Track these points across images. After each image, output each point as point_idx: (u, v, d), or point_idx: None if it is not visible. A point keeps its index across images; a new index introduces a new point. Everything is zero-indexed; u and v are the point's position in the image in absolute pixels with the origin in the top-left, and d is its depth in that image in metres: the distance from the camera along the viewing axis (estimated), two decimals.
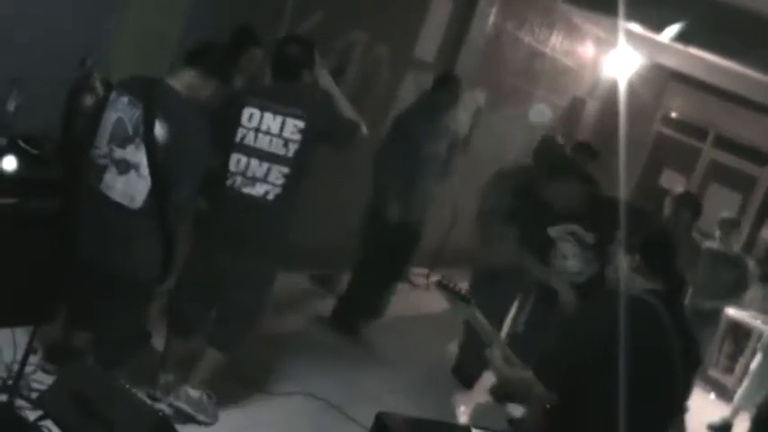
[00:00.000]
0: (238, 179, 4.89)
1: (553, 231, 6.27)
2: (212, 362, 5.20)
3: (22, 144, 5.33)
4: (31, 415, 4.03)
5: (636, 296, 3.61)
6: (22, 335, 4.55)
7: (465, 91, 8.49)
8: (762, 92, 12.34)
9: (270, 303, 5.48)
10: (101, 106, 4.58)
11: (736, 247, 8.34)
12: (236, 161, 4.89)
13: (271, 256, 5.19)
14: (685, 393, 3.99)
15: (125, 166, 4.43)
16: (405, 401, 6.44)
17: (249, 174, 4.88)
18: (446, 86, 7.64)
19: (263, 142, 4.87)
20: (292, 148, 4.87)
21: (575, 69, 12.95)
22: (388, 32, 8.34)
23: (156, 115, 4.37)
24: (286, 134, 4.86)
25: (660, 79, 14.50)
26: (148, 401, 3.76)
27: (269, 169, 4.87)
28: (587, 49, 13.07)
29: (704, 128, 15.30)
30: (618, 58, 13.27)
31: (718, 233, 8.92)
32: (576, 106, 13.37)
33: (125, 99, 4.45)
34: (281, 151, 4.87)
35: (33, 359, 4.62)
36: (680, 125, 15.62)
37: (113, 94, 4.52)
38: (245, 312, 5.23)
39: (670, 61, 13.28)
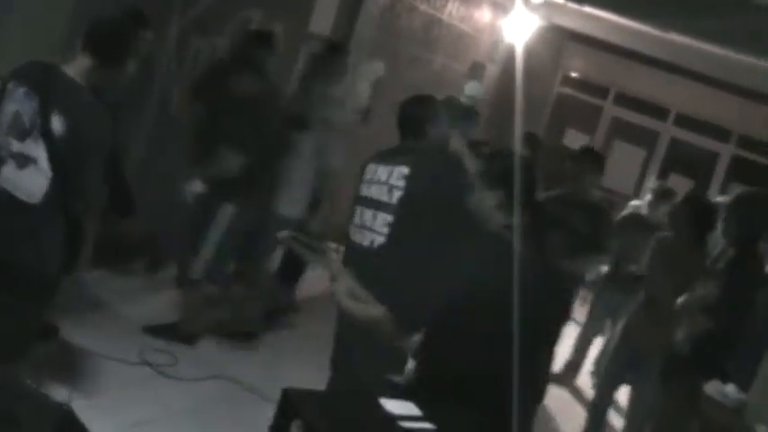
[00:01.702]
0: (353, 230, 4.77)
1: None
2: None
3: None
4: None
5: (494, 233, 3.59)
6: None
7: (364, 62, 8.49)
8: (659, 47, 12.55)
9: None
10: None
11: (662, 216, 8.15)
12: (354, 213, 4.78)
13: None
14: (553, 327, 3.98)
15: (23, 160, 4.30)
16: (322, 380, 6.46)
17: (359, 223, 4.74)
18: (331, 58, 7.61)
19: (372, 191, 4.73)
20: (396, 194, 4.66)
21: (472, 35, 13.00)
22: (282, 8, 8.28)
23: (52, 108, 4.27)
24: (392, 181, 4.68)
25: (558, 40, 14.66)
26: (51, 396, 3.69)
27: (374, 217, 4.71)
28: (484, 14, 13.14)
29: (604, 86, 15.54)
30: (515, 22, 13.37)
31: (648, 198, 8.78)
32: (476, 71, 13.43)
33: (21, 90, 4.31)
34: (384, 198, 4.68)
35: None
36: (580, 85, 15.85)
37: (10, 85, 4.37)
38: None
39: (567, 22, 13.43)
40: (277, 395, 3.07)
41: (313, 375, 6.49)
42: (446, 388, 3.42)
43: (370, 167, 4.79)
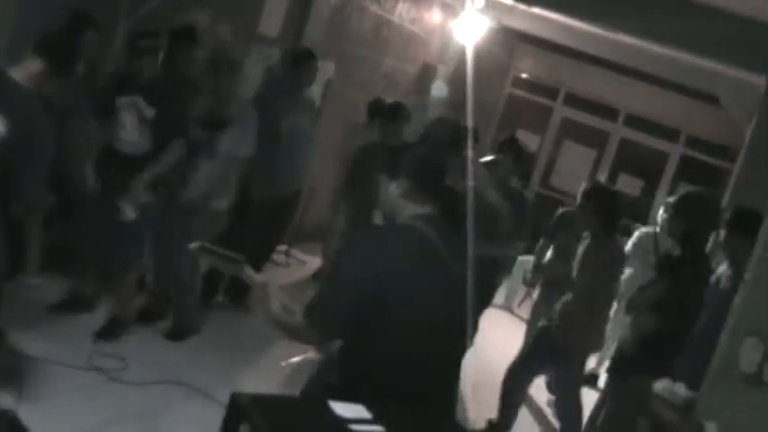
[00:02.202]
0: None
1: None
2: None
3: None
4: None
5: (403, 224, 3.58)
6: None
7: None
8: (608, 48, 12.62)
9: None
10: None
11: None
12: None
13: None
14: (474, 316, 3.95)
15: None
16: (268, 381, 6.46)
17: None
18: (304, 65, 7.76)
19: None
20: None
21: (423, 36, 13.03)
22: (230, 10, 8.25)
23: None
24: None
25: (508, 42, 14.75)
26: None
27: None
28: (434, 16, 13.16)
29: (554, 87, 15.64)
30: (465, 24, 13.40)
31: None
32: (426, 73, 13.45)
33: None
34: None
35: None
36: (530, 86, 15.95)
37: None
38: None
39: (516, 23, 13.47)
40: (228, 398, 3.05)
41: (266, 378, 6.53)
42: (369, 389, 3.40)
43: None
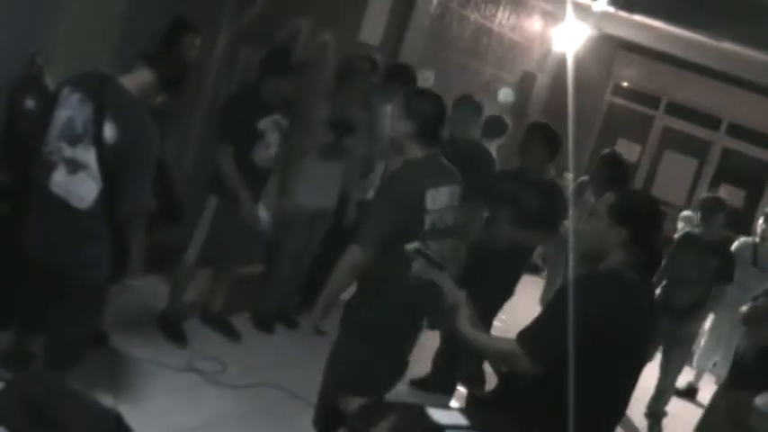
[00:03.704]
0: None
1: None
2: None
3: None
4: None
5: (616, 271, 3.55)
6: None
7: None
8: (711, 56, 12.43)
9: None
10: (51, 103, 4.49)
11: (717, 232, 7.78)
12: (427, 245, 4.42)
13: None
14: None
15: (74, 166, 4.35)
16: None
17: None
18: (400, 77, 7.67)
19: (446, 219, 4.59)
20: (454, 214, 4.68)
21: (523, 44, 12.97)
22: (331, 18, 8.30)
23: (106, 115, 4.30)
24: (454, 203, 4.64)
25: (609, 50, 14.58)
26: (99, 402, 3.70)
27: (451, 245, 4.70)
28: (534, 24, 13.10)
29: (656, 95, 15.39)
30: (566, 31, 13.31)
31: (698, 214, 8.21)
32: (526, 81, 13.38)
33: (76, 97, 4.36)
34: (452, 222, 4.64)
35: None
36: (631, 94, 15.72)
37: (65, 91, 4.42)
38: None
39: (618, 31, 13.35)
40: None
41: None
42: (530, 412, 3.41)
43: (432, 195, 4.50)
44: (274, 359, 6.64)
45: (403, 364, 4.75)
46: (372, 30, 9.13)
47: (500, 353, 3.63)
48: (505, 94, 10.00)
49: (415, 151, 4.56)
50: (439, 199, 4.51)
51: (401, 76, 7.55)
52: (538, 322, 3.55)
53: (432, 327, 6.25)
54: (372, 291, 4.53)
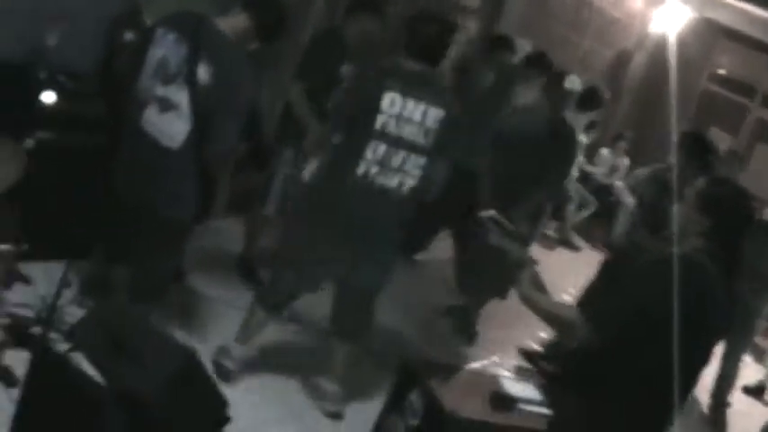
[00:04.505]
0: (373, 168, 4.74)
1: None
2: (346, 355, 5.23)
3: (61, 79, 5.36)
4: (63, 347, 4.06)
5: (692, 258, 3.47)
6: (57, 269, 4.56)
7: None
8: None
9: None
10: (146, 42, 4.50)
11: None
12: (374, 149, 4.73)
13: (395, 247, 5.15)
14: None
15: (166, 105, 4.36)
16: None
17: (386, 163, 4.73)
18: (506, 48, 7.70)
19: (404, 131, 4.71)
20: (431, 137, 4.76)
21: (623, 21, 12.78)
22: None
23: (201, 56, 4.31)
24: (428, 123, 4.73)
25: (709, 35, 14.28)
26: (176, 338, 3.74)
27: (405, 159, 4.75)
28: (636, 1, 12.89)
29: (752, 86, 15.07)
30: (667, 12, 13.09)
31: None
32: (622, 58, 13.21)
33: (171, 37, 4.37)
34: (421, 140, 4.75)
35: (68, 293, 4.64)
36: (727, 82, 15.41)
37: (159, 31, 4.43)
38: (368, 298, 5.20)
39: (720, 16, 13.08)
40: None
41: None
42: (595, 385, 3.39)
43: (393, 98, 4.69)
44: None
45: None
46: None
47: (559, 318, 3.59)
48: (572, 82, 9.94)
49: (409, 63, 4.79)
50: (401, 107, 4.66)
51: None
52: (604, 296, 3.53)
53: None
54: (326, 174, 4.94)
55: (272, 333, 5.50)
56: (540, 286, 3.66)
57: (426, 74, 4.84)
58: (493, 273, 5.88)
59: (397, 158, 4.72)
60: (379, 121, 4.67)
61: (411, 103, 4.68)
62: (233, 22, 4.50)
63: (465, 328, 7.08)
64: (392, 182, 4.74)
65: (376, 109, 4.66)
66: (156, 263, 4.71)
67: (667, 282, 3.32)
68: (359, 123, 4.74)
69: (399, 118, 4.67)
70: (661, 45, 13.07)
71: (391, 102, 4.66)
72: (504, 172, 6.46)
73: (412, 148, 4.72)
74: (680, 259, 3.39)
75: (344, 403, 5.26)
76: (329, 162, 4.97)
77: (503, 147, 6.63)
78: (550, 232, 11.28)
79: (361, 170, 4.72)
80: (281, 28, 4.73)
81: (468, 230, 6.19)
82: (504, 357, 6.81)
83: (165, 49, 4.37)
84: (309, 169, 5.55)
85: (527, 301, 3.63)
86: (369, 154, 4.70)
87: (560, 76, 7.42)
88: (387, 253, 5.08)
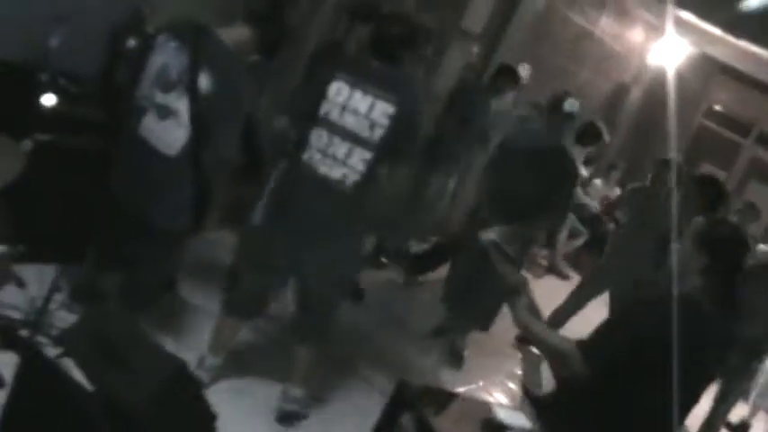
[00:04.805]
0: (316, 155, 4.72)
1: None
2: (308, 359, 5.18)
3: (62, 82, 5.35)
4: (52, 352, 4.03)
5: (689, 297, 3.51)
6: (50, 272, 4.55)
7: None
8: None
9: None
10: (147, 49, 4.51)
11: None
12: (318, 136, 4.72)
13: (342, 244, 5.00)
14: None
15: (165, 112, 4.37)
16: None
17: (329, 152, 4.68)
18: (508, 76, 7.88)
19: (347, 120, 4.67)
20: (378, 132, 4.66)
21: (622, 54, 12.83)
22: (435, 2, 8.27)
23: (202, 65, 4.32)
24: (374, 116, 4.64)
25: (707, 71, 14.36)
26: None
27: (351, 151, 4.68)
28: (636, 35, 12.94)
29: (748, 123, 15.14)
30: (666, 46, 13.14)
31: None
32: (619, 92, 13.25)
33: (172, 44, 4.39)
34: (365, 133, 4.66)
35: (58, 297, 4.62)
36: (723, 119, 15.48)
37: (161, 38, 4.45)
38: (324, 297, 5.11)
39: (719, 53, 13.14)
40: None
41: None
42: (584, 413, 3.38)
43: (339, 87, 4.70)
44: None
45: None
46: (476, 18, 9.07)
47: (554, 348, 3.58)
48: (571, 104, 10.05)
49: (371, 60, 4.81)
50: (348, 97, 4.65)
51: None
52: (601, 329, 3.53)
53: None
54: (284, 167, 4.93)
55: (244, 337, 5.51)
56: (535, 312, 3.66)
57: (384, 70, 4.76)
58: (486, 296, 5.89)
59: (341, 149, 4.64)
60: (324, 108, 4.67)
61: (358, 94, 4.64)
62: (235, 34, 4.51)
63: (454, 353, 7.05)
64: (335, 173, 4.65)
65: (321, 94, 4.68)
66: (149, 271, 4.70)
67: (664, 320, 3.33)
68: (306, 111, 4.75)
69: (344, 108, 4.64)
70: (659, 79, 13.13)
71: (337, 90, 4.66)
72: (505, 190, 6.47)
73: (355, 139, 4.64)
74: (677, 298, 3.39)
75: (307, 406, 5.24)
76: (288, 157, 4.94)
77: (504, 164, 6.65)
78: (543, 261, 11.32)
79: (305, 156, 4.71)
80: (282, 42, 4.73)
81: (467, 251, 6.21)
82: (489, 383, 6.82)
83: (166, 56, 4.38)
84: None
85: (522, 326, 3.62)
86: (313, 140, 4.69)
87: (559, 99, 7.41)
88: (333, 248, 4.90)
